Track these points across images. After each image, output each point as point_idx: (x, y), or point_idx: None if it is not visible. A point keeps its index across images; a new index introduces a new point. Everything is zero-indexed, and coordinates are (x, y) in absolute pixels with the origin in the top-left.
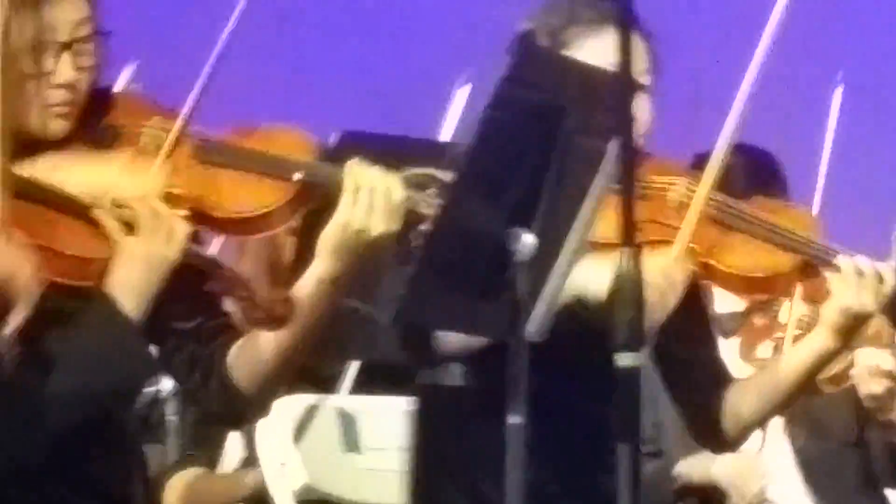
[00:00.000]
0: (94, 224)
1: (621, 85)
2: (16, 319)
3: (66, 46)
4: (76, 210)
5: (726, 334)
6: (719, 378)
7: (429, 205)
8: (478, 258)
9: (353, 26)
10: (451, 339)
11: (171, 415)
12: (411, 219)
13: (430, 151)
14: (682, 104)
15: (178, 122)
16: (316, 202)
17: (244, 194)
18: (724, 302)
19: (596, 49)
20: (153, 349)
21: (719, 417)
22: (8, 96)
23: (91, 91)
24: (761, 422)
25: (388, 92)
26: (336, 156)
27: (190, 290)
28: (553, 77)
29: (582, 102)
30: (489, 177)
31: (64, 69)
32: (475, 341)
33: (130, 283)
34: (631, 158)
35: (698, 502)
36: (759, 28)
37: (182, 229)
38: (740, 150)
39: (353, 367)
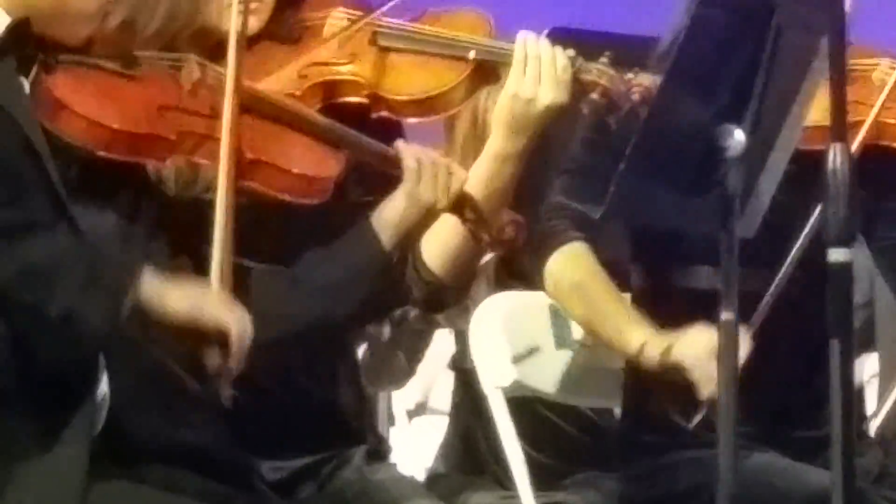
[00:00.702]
0: (322, 143)
1: None
2: (229, 374)
3: None
4: (304, 127)
5: None
6: None
7: (601, 73)
8: (689, 154)
9: None
10: None
11: None
12: (583, 89)
13: (638, 47)
14: None
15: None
16: (494, 80)
17: (421, 76)
18: None
19: None
20: None
21: None
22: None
23: None
24: None
25: None
26: None
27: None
28: None
29: None
30: (700, 73)
31: None
32: None
33: (401, 221)
34: (842, 55)
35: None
36: None
37: (461, 179)
38: None
39: None
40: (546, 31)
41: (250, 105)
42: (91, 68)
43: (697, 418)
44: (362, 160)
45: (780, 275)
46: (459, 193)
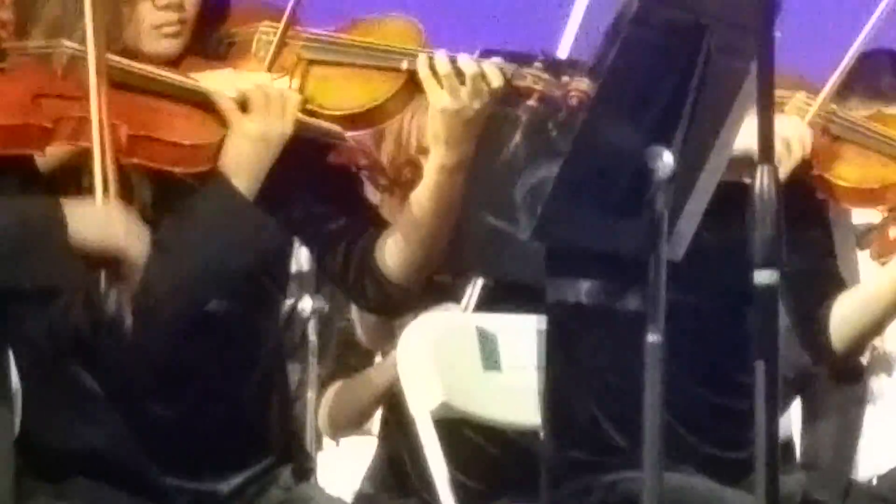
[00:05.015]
0: (200, 109)
1: (762, 4)
2: (127, 290)
3: None
4: (182, 97)
5: (861, 246)
6: (830, 290)
7: (536, 79)
8: (618, 175)
9: None
10: None
11: (311, 335)
12: (519, 95)
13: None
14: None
15: (282, 22)
16: None
17: (355, 89)
18: (861, 214)
19: None
20: (306, 258)
21: (826, 329)
22: (117, 21)
23: (205, 5)
24: (864, 336)
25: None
26: None
27: (334, 189)
28: None
29: (723, 21)
30: (629, 94)
31: None
32: None
33: (245, 160)
34: (770, 78)
35: None
36: None
37: (294, 101)
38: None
39: (477, 285)
40: (477, 53)
41: (123, 80)
42: None
43: None
44: None
45: None
46: (353, 146)
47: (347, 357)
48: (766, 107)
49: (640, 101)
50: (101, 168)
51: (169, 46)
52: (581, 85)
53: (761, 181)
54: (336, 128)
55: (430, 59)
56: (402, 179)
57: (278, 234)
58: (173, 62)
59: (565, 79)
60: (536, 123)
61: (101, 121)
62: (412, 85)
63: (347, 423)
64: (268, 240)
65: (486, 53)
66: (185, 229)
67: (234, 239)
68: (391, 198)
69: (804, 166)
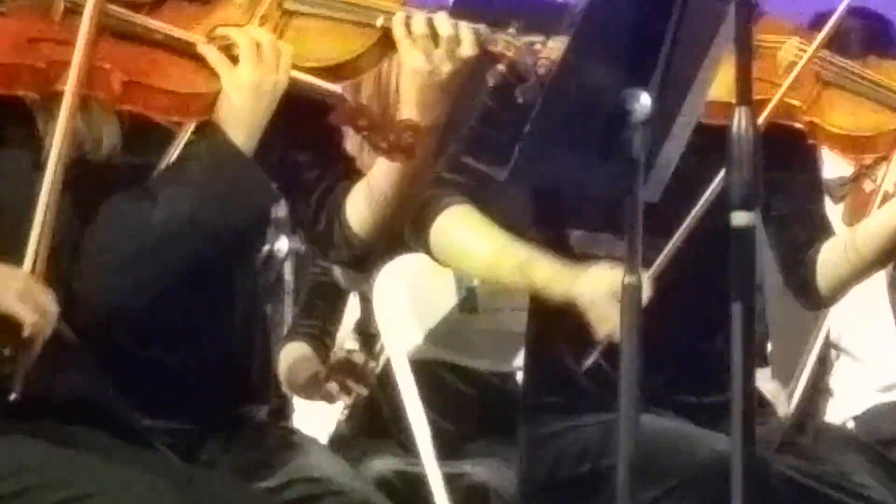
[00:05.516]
0: (196, 61)
1: None
2: (22, 367)
3: None
4: (178, 48)
5: (835, 200)
6: (818, 233)
7: (508, 45)
8: (594, 117)
9: None
10: None
11: (287, 275)
12: (490, 59)
13: (546, 13)
14: None
15: None
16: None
17: (329, 42)
18: (833, 167)
19: None
20: (283, 204)
21: (814, 272)
22: None
23: None
24: (849, 282)
25: None
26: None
27: (312, 137)
28: None
29: None
30: (606, 36)
31: None
32: None
33: (239, 112)
34: (749, 18)
35: None
36: None
37: (287, 53)
38: (858, 12)
39: None
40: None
41: (119, 29)
42: None
43: (589, 361)
44: None
45: (680, 231)
46: (354, 107)
47: (315, 301)
48: (745, 48)
49: (616, 42)
50: (37, 234)
51: None
52: (553, 53)
53: (738, 123)
54: (334, 87)
55: (407, 17)
56: (403, 144)
57: (274, 191)
58: (157, 3)
59: (538, 45)
60: (504, 88)
61: (80, 68)
62: (385, 42)
63: (300, 390)
64: (263, 197)
65: (460, 4)
66: (178, 182)
67: (229, 194)
68: (389, 160)
69: (794, 111)
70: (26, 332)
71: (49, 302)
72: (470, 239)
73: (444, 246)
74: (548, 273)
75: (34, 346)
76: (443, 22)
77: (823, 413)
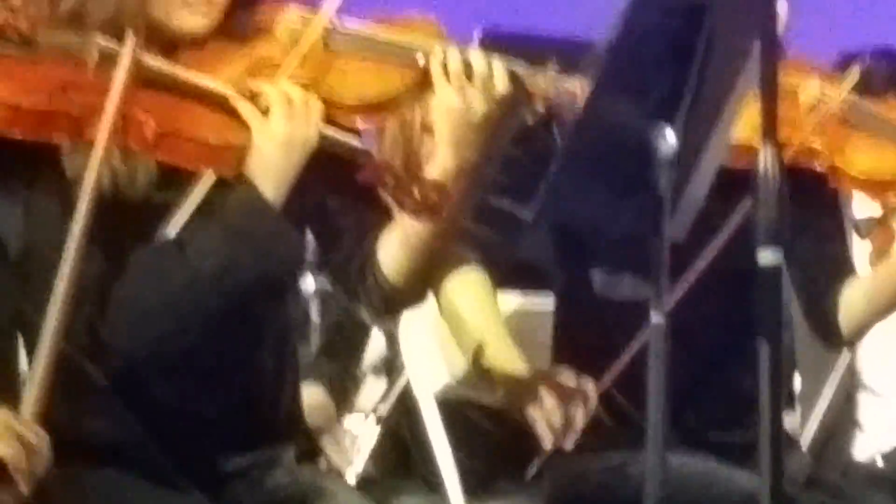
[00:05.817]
0: (228, 112)
1: None
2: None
3: None
4: (210, 100)
5: (862, 236)
6: (841, 276)
7: (549, 85)
8: (620, 154)
9: None
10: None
11: (314, 315)
12: (529, 98)
13: (573, 49)
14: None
15: (318, 17)
16: None
17: (369, 80)
18: (863, 205)
19: None
20: (313, 247)
21: (835, 314)
22: None
23: None
24: (871, 323)
25: None
26: None
27: (349, 182)
28: None
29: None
30: (632, 73)
31: None
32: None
33: (269, 166)
34: (774, 56)
35: None
36: None
37: (317, 109)
38: (882, 53)
39: None
40: (478, 33)
41: (153, 79)
42: None
43: (533, 470)
44: None
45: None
46: (381, 164)
47: (337, 340)
48: (771, 85)
49: (642, 79)
50: (95, 168)
51: (196, 24)
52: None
53: (765, 162)
54: (362, 147)
55: (444, 53)
56: (429, 203)
57: (301, 245)
58: (199, 41)
59: (577, 84)
60: (533, 128)
61: (113, 117)
62: (425, 79)
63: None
64: (293, 253)
65: (489, 33)
66: (208, 236)
67: (258, 250)
68: (415, 220)
69: (816, 155)
70: (13, 473)
71: (34, 436)
72: (467, 321)
73: (447, 310)
74: (510, 381)
75: (18, 484)
76: (477, 59)
77: (852, 449)
